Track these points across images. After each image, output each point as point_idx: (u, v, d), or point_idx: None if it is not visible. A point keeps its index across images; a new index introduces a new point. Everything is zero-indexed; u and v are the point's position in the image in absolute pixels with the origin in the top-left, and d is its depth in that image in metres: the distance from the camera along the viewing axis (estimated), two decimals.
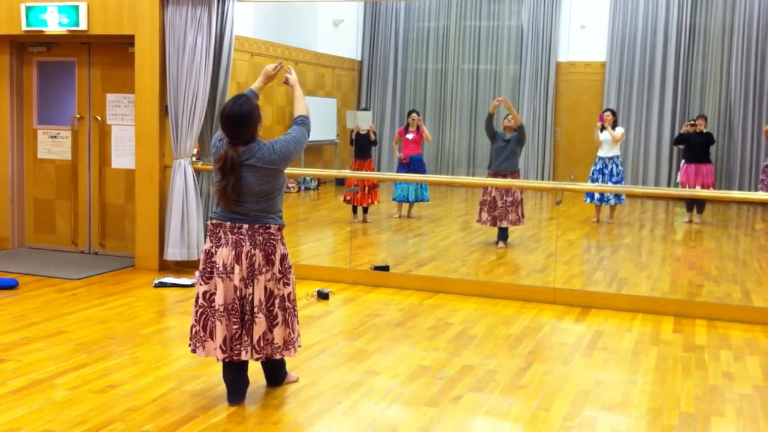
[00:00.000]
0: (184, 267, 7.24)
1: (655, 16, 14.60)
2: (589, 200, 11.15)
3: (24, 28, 7.44)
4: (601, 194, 10.80)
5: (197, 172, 7.18)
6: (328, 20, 15.05)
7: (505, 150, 8.75)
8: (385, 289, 6.83)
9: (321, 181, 14.22)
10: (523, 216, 8.97)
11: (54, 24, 7.35)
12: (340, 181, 13.54)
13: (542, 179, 14.83)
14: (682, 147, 11.72)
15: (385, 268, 7.22)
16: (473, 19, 15.63)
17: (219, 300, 4.01)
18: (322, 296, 6.41)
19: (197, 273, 4.15)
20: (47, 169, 8.00)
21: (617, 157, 10.90)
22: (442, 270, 7.74)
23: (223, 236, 4.04)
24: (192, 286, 6.59)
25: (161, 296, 6.42)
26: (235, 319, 4.03)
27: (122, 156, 7.69)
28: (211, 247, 4.07)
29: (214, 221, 4.08)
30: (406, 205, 10.94)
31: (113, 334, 5.31)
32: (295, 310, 4.19)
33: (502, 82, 15.50)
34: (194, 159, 7.24)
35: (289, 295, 4.13)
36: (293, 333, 4.16)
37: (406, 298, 6.54)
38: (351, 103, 15.78)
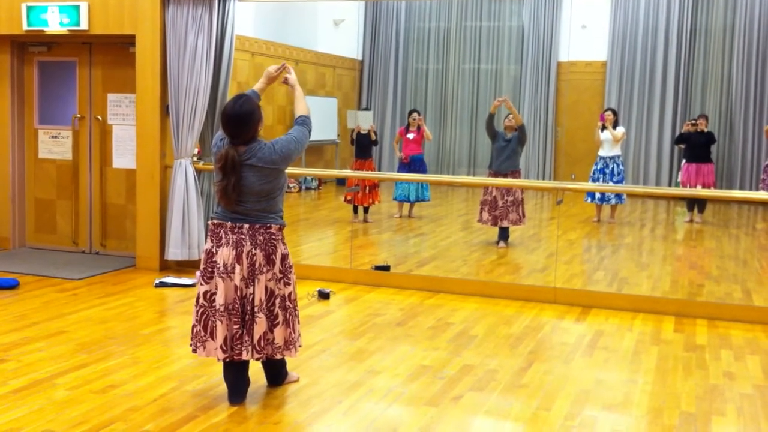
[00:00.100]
0: (184, 267, 7.24)
1: (656, 15, 14.59)
2: (589, 200, 11.15)
3: (25, 27, 7.45)
4: (602, 194, 10.79)
5: (198, 172, 7.18)
6: (329, 20, 15.05)
7: (506, 150, 8.75)
8: (385, 288, 6.83)
9: (322, 181, 14.23)
10: (523, 216, 8.97)
11: (55, 24, 7.36)
12: (341, 181, 13.54)
13: (543, 179, 14.83)
14: (682, 146, 11.73)
15: (386, 268, 7.22)
16: (474, 19, 15.63)
17: (220, 300, 4.01)
18: (323, 296, 6.41)
19: (198, 273, 4.15)
20: (48, 169, 8.00)
21: (618, 156, 10.90)
22: (442, 270, 7.74)
23: (223, 236, 4.04)
24: (193, 285, 6.59)
25: (162, 296, 6.43)
26: (236, 319, 4.03)
27: (123, 156, 7.70)
28: (212, 246, 4.07)
29: (215, 221, 4.08)
30: (406, 205, 10.94)
31: (114, 334, 5.31)
32: (295, 310, 4.19)
33: (503, 82, 15.50)
34: (195, 159, 7.24)
35: (289, 294, 4.13)
36: (294, 333, 4.16)
37: (407, 297, 6.54)
38: (352, 102, 15.77)
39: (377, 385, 4.45)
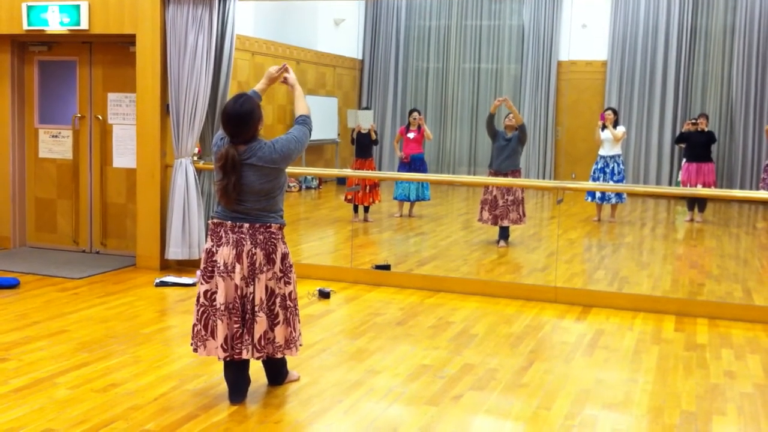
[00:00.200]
0: (185, 266, 7.25)
1: (657, 15, 14.59)
2: (590, 199, 11.15)
3: (25, 27, 7.45)
4: (603, 193, 10.80)
5: (198, 172, 7.18)
6: (329, 19, 15.05)
7: (506, 149, 8.75)
8: (386, 288, 6.83)
9: (322, 180, 14.23)
10: (524, 215, 8.97)
11: (55, 23, 7.36)
12: (341, 180, 13.54)
13: (543, 178, 14.83)
14: (683, 146, 11.73)
15: (386, 267, 7.22)
16: (474, 18, 15.63)
17: (220, 299, 4.01)
18: (324, 295, 6.41)
19: (199, 272, 4.16)
20: (48, 169, 8.00)
21: (618, 155, 10.90)
22: (443, 269, 7.74)
23: (224, 235, 4.04)
24: (193, 285, 6.60)
25: (162, 295, 6.43)
26: (236, 318, 4.03)
27: (123, 155, 7.70)
28: (212, 246, 4.07)
29: (215, 220, 4.09)
30: (407, 204, 10.94)
31: (115, 333, 5.31)
32: (296, 309, 4.19)
33: (503, 81, 15.50)
34: (195, 158, 7.24)
35: (290, 294, 4.13)
36: (294, 332, 4.16)
37: (407, 297, 6.54)
38: (352, 102, 15.77)
39: (378, 384, 4.45)
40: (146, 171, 7.26)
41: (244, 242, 4.01)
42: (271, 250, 4.05)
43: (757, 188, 12.95)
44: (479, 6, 15.61)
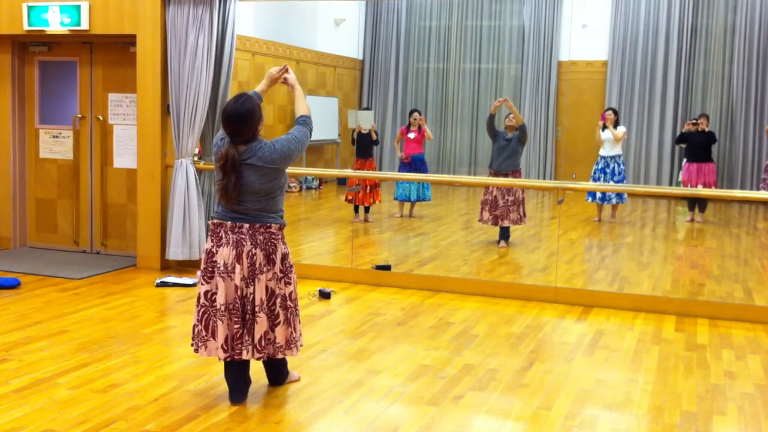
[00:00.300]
0: (185, 266, 7.25)
1: (657, 15, 14.59)
2: (590, 199, 11.15)
3: (26, 27, 7.45)
4: (603, 193, 10.79)
5: (199, 172, 7.19)
6: (330, 19, 15.04)
7: (507, 149, 8.75)
8: (386, 288, 6.83)
9: (322, 181, 14.22)
10: (524, 215, 8.97)
11: (55, 24, 7.36)
12: (342, 181, 13.54)
13: (544, 178, 14.82)
14: (683, 146, 11.72)
15: (387, 268, 7.22)
16: (475, 18, 15.62)
17: (220, 299, 4.01)
18: (324, 295, 6.41)
19: (199, 272, 4.16)
20: (49, 169, 8.00)
21: (619, 156, 10.90)
22: (443, 269, 7.74)
23: (224, 236, 4.04)
24: (194, 285, 6.60)
25: (163, 296, 6.43)
26: (237, 319, 4.03)
27: (124, 155, 7.70)
28: (212, 246, 4.07)
29: (215, 220, 4.09)
30: (407, 205, 10.93)
31: (115, 333, 5.31)
32: (296, 310, 4.19)
33: (503, 82, 15.49)
34: (196, 158, 7.25)
35: (290, 294, 4.13)
36: (295, 332, 4.16)
37: (408, 297, 6.54)
38: (352, 102, 15.77)
39: (378, 384, 4.45)
40: (147, 171, 7.26)
41: (244, 243, 4.01)
42: (271, 250, 4.05)
43: (758, 188, 12.94)
44: (480, 6, 15.60)
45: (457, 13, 15.66)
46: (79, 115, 7.84)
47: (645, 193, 13.45)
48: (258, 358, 4.08)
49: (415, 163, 10.50)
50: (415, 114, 10.63)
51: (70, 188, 7.93)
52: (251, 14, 12.58)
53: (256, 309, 4.02)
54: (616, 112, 11.01)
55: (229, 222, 4.04)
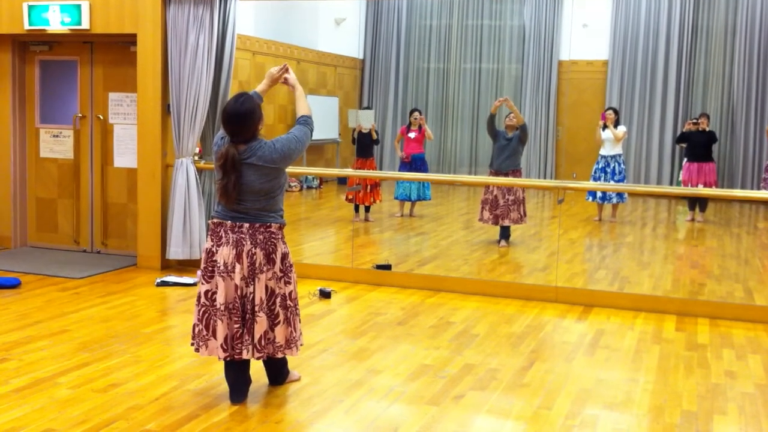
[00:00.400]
0: (186, 266, 7.25)
1: (658, 14, 14.59)
2: (591, 199, 11.15)
3: (26, 27, 7.45)
4: (604, 193, 10.79)
5: (199, 171, 7.19)
6: (330, 19, 15.05)
7: (507, 148, 8.74)
8: (387, 287, 6.83)
9: (323, 180, 14.23)
10: (524, 214, 8.97)
11: (56, 23, 7.36)
12: (342, 180, 13.54)
13: (544, 178, 14.83)
14: (684, 145, 11.72)
15: (387, 267, 7.22)
16: (475, 17, 15.62)
17: (220, 299, 4.01)
18: (324, 295, 6.42)
19: (199, 272, 4.16)
20: (49, 168, 8.00)
21: (619, 155, 10.90)
22: (443, 269, 7.74)
23: (223, 235, 4.04)
24: (194, 284, 6.60)
25: (163, 295, 6.43)
26: (236, 318, 4.03)
27: (124, 155, 7.70)
28: (212, 246, 4.07)
29: (215, 220, 4.09)
30: (408, 204, 10.94)
31: (115, 332, 5.31)
32: (296, 309, 4.19)
33: (504, 81, 15.49)
34: (196, 158, 7.25)
35: (290, 293, 4.13)
36: (295, 332, 4.16)
37: (408, 296, 6.54)
38: (353, 101, 15.77)
39: (378, 384, 4.45)
40: (147, 171, 7.26)
41: (244, 242, 4.01)
42: (271, 249, 4.05)
43: (758, 188, 12.94)
44: (480, 6, 15.60)
45: (457, 13, 15.66)
46: (80, 115, 7.84)
47: (645, 193, 13.45)
48: (258, 358, 4.08)
49: (415, 163, 10.50)
50: (416, 113, 10.63)
51: (70, 188, 7.93)
52: (252, 13, 12.59)
53: (256, 308, 4.02)
54: (616, 112, 11.00)
55: (229, 221, 4.03)
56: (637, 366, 4.91)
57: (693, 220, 11.25)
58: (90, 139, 7.83)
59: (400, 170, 10.83)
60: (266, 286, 4.04)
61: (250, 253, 4.01)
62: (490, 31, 15.57)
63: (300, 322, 4.25)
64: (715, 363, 5.01)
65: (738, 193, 11.05)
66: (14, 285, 6.46)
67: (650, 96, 14.69)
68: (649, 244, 9.91)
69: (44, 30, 7.44)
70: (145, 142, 7.25)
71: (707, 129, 11.21)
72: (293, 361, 4.59)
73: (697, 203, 11.30)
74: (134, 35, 7.20)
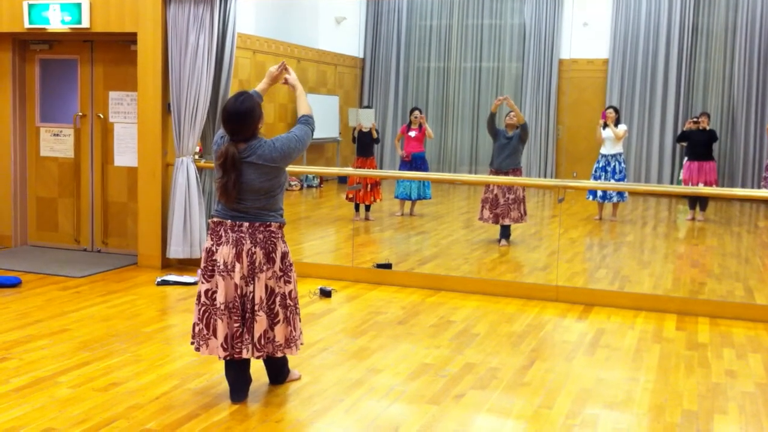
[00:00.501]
0: (186, 265, 7.25)
1: (658, 13, 14.58)
2: (591, 198, 11.14)
3: (26, 25, 7.45)
4: (604, 192, 10.79)
5: (199, 170, 7.19)
6: (331, 17, 15.04)
7: (507, 147, 8.74)
8: (387, 286, 6.83)
9: (323, 179, 14.22)
10: (525, 213, 8.96)
11: (56, 22, 7.36)
12: (343, 179, 13.53)
13: (544, 177, 14.82)
14: (684, 144, 11.71)
15: (388, 266, 7.22)
16: (476, 16, 15.62)
17: (220, 298, 4.01)
18: (325, 294, 6.41)
19: (199, 271, 4.15)
20: (50, 167, 8.00)
21: (620, 154, 10.89)
22: (444, 268, 7.74)
23: (223, 234, 4.04)
24: (194, 283, 6.60)
25: (164, 294, 6.43)
26: (236, 317, 4.03)
27: (125, 154, 7.70)
28: (212, 245, 4.07)
29: (215, 219, 4.08)
30: (408, 203, 10.93)
31: (116, 331, 5.31)
32: (296, 308, 4.19)
33: (504, 80, 15.48)
34: (196, 157, 7.24)
35: (290, 293, 4.13)
36: (295, 331, 4.16)
37: (409, 295, 6.54)
38: (353, 100, 15.77)
39: (379, 383, 4.45)
40: (147, 169, 7.26)
41: (243, 241, 4.01)
42: (270, 249, 4.04)
43: (759, 187, 12.94)
44: (480, 5, 15.59)
45: (458, 12, 15.65)
46: (80, 114, 7.84)
47: (646, 192, 13.45)
48: (258, 357, 4.08)
49: (415, 162, 10.50)
50: (416, 112, 10.63)
51: (70, 186, 7.93)
52: (252, 12, 12.58)
53: (256, 308, 4.01)
54: (617, 111, 11.00)
55: (229, 220, 4.03)
56: (637, 365, 4.91)
57: (693, 219, 11.25)
58: (90, 138, 7.83)
59: (400, 169, 10.82)
60: (266, 286, 4.04)
61: (249, 253, 4.01)
62: (491, 30, 15.56)
63: (300, 321, 4.25)
64: (716, 362, 5.00)
65: (738, 192, 11.05)
66: (15, 284, 6.46)
67: (651, 94, 14.69)
68: (649, 243, 9.90)
69: (44, 29, 7.44)
70: (145, 141, 7.25)
71: (708, 128, 11.21)
72: (293, 360, 4.59)
73: (698, 202, 11.29)
74: (134, 34, 7.20)
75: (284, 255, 4.10)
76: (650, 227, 11.29)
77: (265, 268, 4.03)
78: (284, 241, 4.13)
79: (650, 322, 5.91)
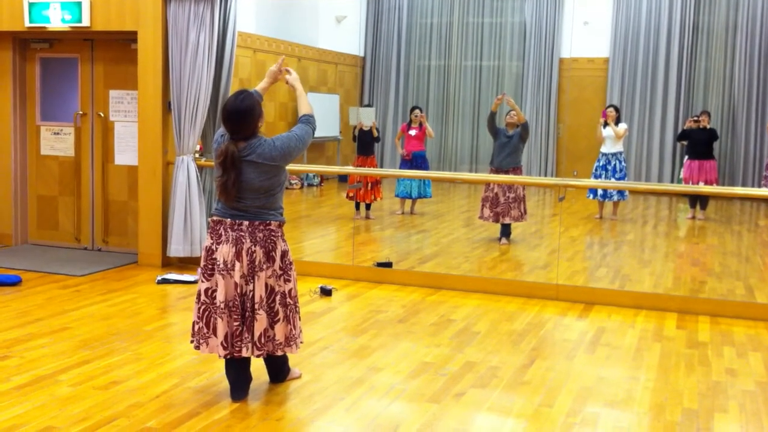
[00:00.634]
0: (187, 263, 7.25)
1: (659, 12, 14.58)
2: (592, 196, 11.14)
3: (27, 24, 7.45)
4: (604, 190, 10.78)
5: (200, 169, 7.19)
6: (331, 16, 15.04)
7: (508, 146, 8.74)
8: (387, 285, 6.83)
9: (324, 178, 14.23)
10: (525, 212, 8.96)
11: (57, 20, 7.36)
12: (343, 178, 13.53)
13: (545, 175, 14.83)
14: (685, 143, 11.72)
15: (388, 265, 7.22)
16: (476, 15, 15.62)
17: (220, 297, 4.01)
18: (325, 292, 6.41)
19: (200, 269, 4.16)
20: (50, 166, 8.00)
21: (620, 153, 10.89)
22: (444, 266, 7.74)
23: (223, 233, 4.04)
24: (195, 282, 6.60)
25: (164, 292, 6.43)
26: (236, 316, 4.03)
27: (125, 152, 7.70)
28: (212, 244, 4.07)
29: (215, 218, 4.08)
30: (408, 202, 10.93)
31: (116, 330, 5.31)
32: (296, 307, 4.19)
33: (505, 79, 15.49)
34: (197, 155, 7.24)
35: (290, 291, 4.13)
36: (295, 329, 4.16)
37: (409, 294, 6.54)
38: (354, 99, 15.77)
39: (379, 381, 4.45)
40: (148, 168, 7.26)
41: (243, 240, 4.01)
42: (270, 247, 4.04)
43: (759, 185, 12.94)
44: (481, 3, 15.59)
45: (458, 10, 15.65)
46: (81, 112, 7.84)
47: (646, 191, 13.45)
48: (257, 356, 4.09)
49: (416, 160, 10.50)
50: (417, 111, 10.63)
51: (71, 185, 7.93)
52: (252, 11, 12.58)
53: (256, 306, 4.02)
54: (617, 109, 10.99)
55: (229, 219, 4.03)
56: (637, 364, 4.91)
57: (694, 217, 11.25)
58: (91, 137, 7.83)
59: (400, 168, 10.83)
60: (266, 284, 4.04)
61: (249, 251, 4.01)
62: (491, 29, 15.56)
63: (300, 319, 4.25)
64: (716, 361, 5.00)
65: (739, 190, 11.03)
66: (15, 282, 6.46)
67: (651, 93, 14.69)
68: (650, 241, 9.90)
69: (45, 27, 7.44)
70: (145, 140, 7.25)
71: (708, 126, 11.21)
72: (294, 359, 4.59)
73: (698, 201, 11.29)
74: (135, 33, 7.20)
75: (284, 253, 4.10)
76: (651, 226, 11.29)
77: (265, 266, 4.03)
78: (284, 240, 4.13)
79: (651, 320, 5.91)
